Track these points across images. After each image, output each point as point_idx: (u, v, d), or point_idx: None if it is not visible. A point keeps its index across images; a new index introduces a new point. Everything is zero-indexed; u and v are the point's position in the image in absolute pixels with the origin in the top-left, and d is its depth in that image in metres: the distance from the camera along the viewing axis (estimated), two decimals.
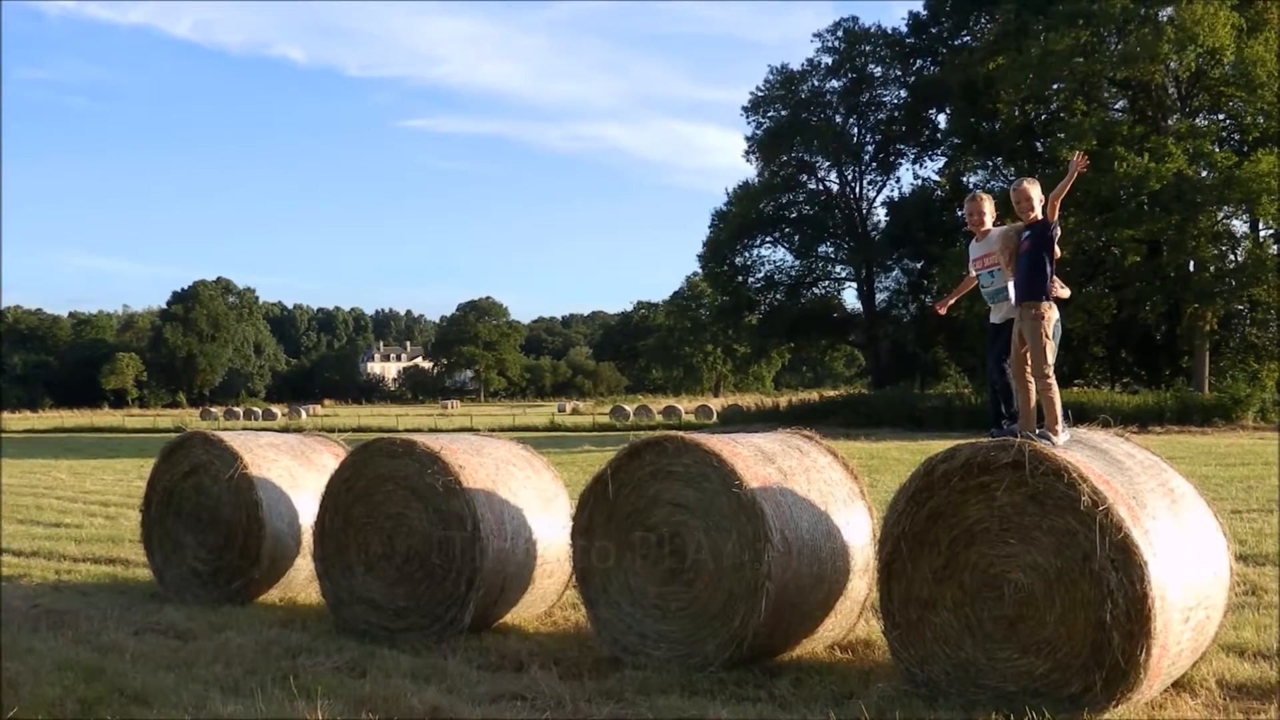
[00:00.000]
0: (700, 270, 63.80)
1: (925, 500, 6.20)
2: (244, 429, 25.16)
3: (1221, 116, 44.98)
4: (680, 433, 7.44)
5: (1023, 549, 5.91)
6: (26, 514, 16.95)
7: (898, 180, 72.52)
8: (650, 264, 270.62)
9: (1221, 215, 41.88)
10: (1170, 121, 42.67)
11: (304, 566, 9.56)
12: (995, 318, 7.04)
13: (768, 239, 57.88)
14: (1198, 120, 43.66)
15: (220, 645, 7.75)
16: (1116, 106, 46.11)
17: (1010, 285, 6.82)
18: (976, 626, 6.05)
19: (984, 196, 7.20)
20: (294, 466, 9.99)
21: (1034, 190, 6.69)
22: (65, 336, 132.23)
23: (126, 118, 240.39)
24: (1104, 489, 5.73)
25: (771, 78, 57.06)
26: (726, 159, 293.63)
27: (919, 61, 54.88)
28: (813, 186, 58.58)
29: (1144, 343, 48.26)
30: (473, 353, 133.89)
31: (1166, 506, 6.13)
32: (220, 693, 6.49)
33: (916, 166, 69.50)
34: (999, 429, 6.75)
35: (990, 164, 49.22)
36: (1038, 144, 46.26)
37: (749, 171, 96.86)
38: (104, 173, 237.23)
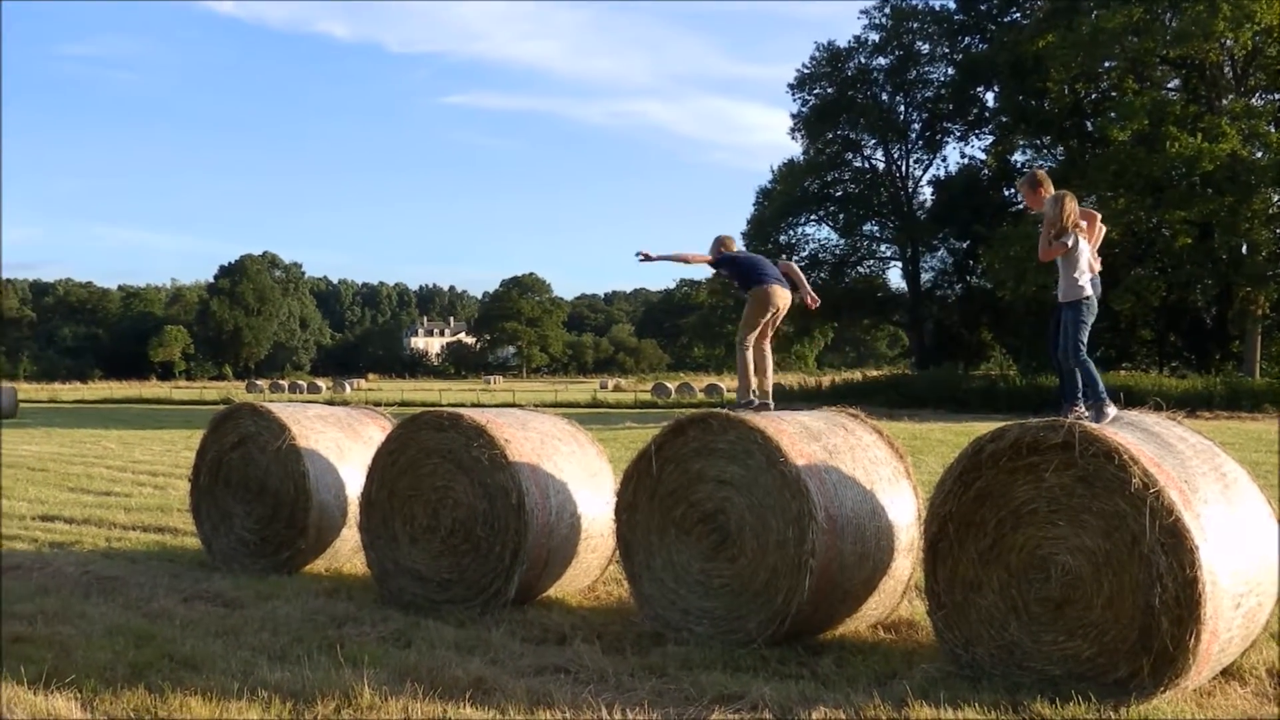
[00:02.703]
0: (744, 248, 63.54)
1: (973, 481, 6.15)
2: (289, 401, 25.40)
3: (1277, 96, 44.08)
4: (725, 410, 7.42)
5: (1071, 531, 5.85)
6: (77, 482, 17.24)
7: (944, 159, 71.58)
8: (693, 241, 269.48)
9: (1276, 197, 41.11)
10: (1224, 101, 41.84)
11: (350, 537, 9.65)
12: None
13: (812, 217, 57.47)
14: (1253, 100, 42.81)
15: (267, 613, 7.85)
16: (1169, 85, 45.30)
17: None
18: (1022, 609, 6.00)
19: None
20: (341, 438, 10.08)
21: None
22: (115, 310, 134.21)
23: (171, 93, 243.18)
24: (1155, 471, 5.65)
25: (818, 54, 56.67)
26: (768, 136, 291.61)
27: (967, 39, 54.22)
28: (858, 164, 58.17)
29: (1194, 326, 47.56)
30: (515, 329, 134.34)
31: (1219, 491, 6.03)
32: (267, 660, 6.57)
33: (963, 145, 69.01)
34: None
35: (1038, 143, 48.56)
36: (1087, 123, 45.56)
37: (791, 149, 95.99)
38: (150, 147, 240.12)
